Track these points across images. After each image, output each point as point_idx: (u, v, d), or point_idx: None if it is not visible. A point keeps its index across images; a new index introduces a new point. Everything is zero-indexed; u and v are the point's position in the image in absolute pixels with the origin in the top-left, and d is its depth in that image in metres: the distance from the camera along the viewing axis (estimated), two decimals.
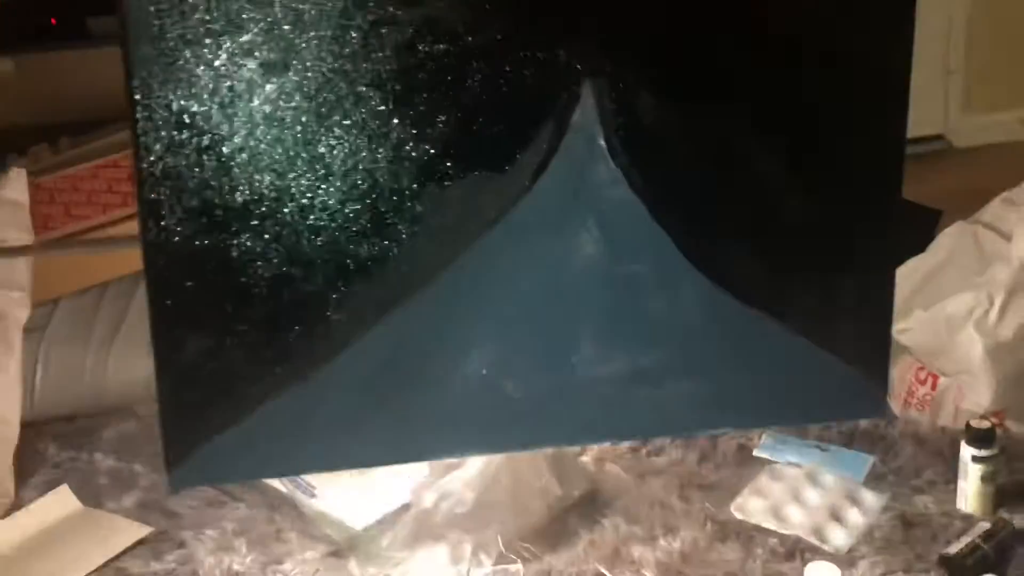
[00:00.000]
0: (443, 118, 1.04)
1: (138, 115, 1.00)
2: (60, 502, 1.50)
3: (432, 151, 1.05)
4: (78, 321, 1.87)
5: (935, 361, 1.64)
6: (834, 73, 1.12)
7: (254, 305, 1.06)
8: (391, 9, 1.01)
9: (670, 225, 1.13)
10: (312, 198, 1.04)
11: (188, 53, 0.99)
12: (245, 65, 1.00)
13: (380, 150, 1.04)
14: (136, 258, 2.01)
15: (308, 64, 1.01)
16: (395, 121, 1.03)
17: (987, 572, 1.24)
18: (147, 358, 1.71)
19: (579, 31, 1.06)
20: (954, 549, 1.28)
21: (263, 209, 1.03)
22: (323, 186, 1.04)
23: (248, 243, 1.04)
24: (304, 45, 1.01)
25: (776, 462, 1.49)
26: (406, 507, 1.34)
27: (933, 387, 1.63)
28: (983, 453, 1.36)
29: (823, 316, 1.20)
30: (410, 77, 1.02)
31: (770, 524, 1.37)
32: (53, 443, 1.64)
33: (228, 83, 1.00)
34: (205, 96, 1.00)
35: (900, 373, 1.65)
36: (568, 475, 1.36)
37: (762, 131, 1.13)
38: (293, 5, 1.00)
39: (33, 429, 1.63)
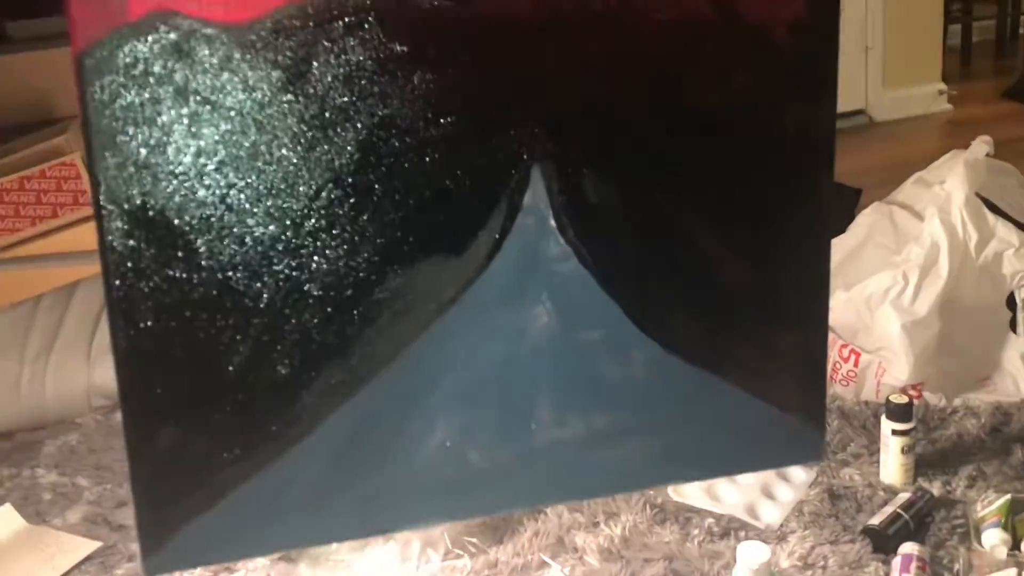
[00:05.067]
0: (402, 208, 1.09)
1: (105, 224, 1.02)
2: (3, 521, 1.47)
3: (393, 238, 1.10)
4: (12, 335, 1.85)
5: (857, 338, 1.70)
6: (768, 158, 1.20)
7: (224, 395, 1.09)
8: (347, 105, 1.05)
9: (619, 294, 1.19)
10: (280, 289, 1.08)
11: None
12: (208, 166, 1.03)
13: (344, 242, 1.08)
14: (69, 271, 1.96)
15: (271, 164, 1.05)
16: (360, 213, 1.08)
17: (907, 539, 1.30)
18: (85, 369, 1.76)
19: (526, 121, 1.11)
20: (877, 520, 1.33)
21: (232, 302, 1.07)
22: (290, 279, 1.08)
23: (218, 336, 1.07)
24: (264, 148, 1.04)
25: None
26: None
27: (856, 363, 1.68)
28: (902, 427, 1.42)
29: (763, 371, 1.27)
30: (373, 171, 1.08)
31: (705, 504, 1.41)
32: None
33: (189, 184, 1.03)
34: (171, 199, 1.03)
35: None
36: None
37: (698, 204, 1.20)
38: (253, 115, 1.02)
39: None
